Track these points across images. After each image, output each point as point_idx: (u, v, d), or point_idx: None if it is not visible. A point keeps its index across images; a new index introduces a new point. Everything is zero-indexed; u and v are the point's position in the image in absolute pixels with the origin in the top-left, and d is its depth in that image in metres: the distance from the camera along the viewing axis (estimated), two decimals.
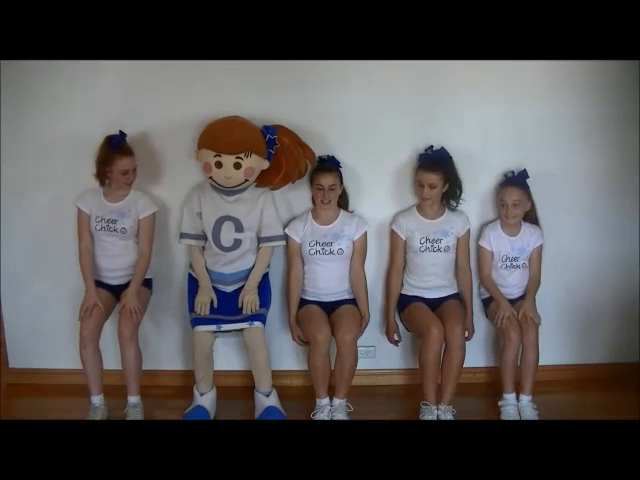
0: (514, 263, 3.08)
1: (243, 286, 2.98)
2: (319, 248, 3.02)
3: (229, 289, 2.99)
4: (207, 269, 3.00)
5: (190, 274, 3.07)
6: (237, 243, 2.95)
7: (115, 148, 2.88)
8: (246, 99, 3.03)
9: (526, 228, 3.09)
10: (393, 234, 3.12)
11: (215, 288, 2.99)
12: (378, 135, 3.12)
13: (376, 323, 3.26)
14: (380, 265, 3.24)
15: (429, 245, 3.03)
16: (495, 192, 3.14)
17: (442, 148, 3.03)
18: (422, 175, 2.99)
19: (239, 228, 2.94)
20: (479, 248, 3.14)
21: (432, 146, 3.03)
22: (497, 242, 3.09)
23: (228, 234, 2.94)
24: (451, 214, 3.08)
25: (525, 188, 3.04)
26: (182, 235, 3.02)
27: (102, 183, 2.97)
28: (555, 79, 3.10)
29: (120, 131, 2.92)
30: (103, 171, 2.92)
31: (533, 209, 3.09)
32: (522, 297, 3.10)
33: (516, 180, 3.05)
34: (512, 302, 3.08)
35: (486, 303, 3.18)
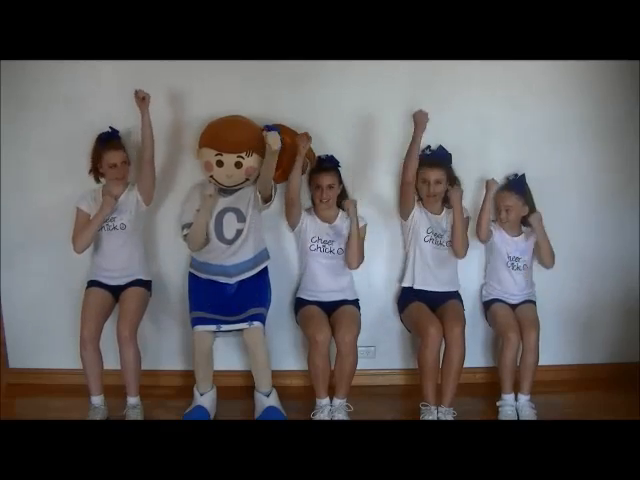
0: (516, 264, 3.10)
1: (245, 279, 2.98)
2: (320, 245, 3.03)
3: (232, 281, 2.98)
4: (207, 263, 2.99)
5: (190, 273, 3.06)
6: (238, 233, 2.94)
7: (104, 143, 2.92)
8: (246, 99, 3.03)
9: (526, 231, 3.11)
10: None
11: (217, 282, 2.98)
12: (378, 135, 3.13)
13: (376, 323, 3.26)
14: (378, 264, 3.24)
15: (433, 237, 3.05)
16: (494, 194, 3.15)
17: (441, 146, 3.04)
18: (426, 172, 2.99)
19: (241, 218, 2.94)
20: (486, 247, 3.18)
21: (429, 146, 3.04)
22: (500, 240, 3.10)
23: (230, 226, 2.94)
24: (450, 212, 3.08)
25: (521, 193, 3.04)
26: (184, 226, 2.98)
27: (97, 180, 3.00)
28: (555, 79, 3.11)
29: (110, 127, 2.95)
30: (95, 167, 2.96)
31: (531, 212, 3.07)
32: (523, 302, 3.12)
33: (512, 185, 3.06)
34: (512, 307, 3.11)
35: (486, 306, 3.19)
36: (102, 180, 3.02)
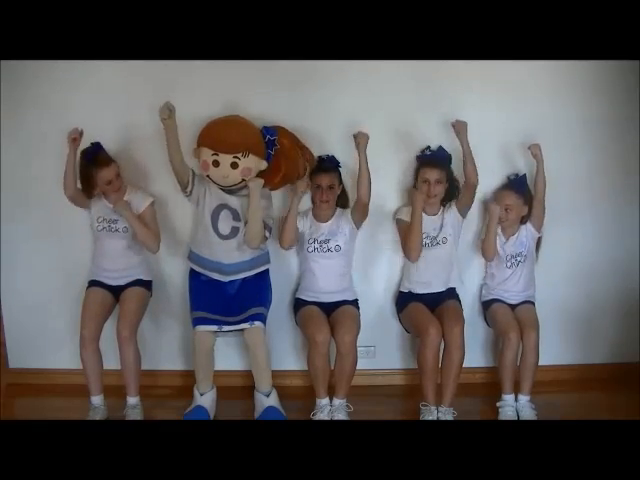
0: (517, 259, 3.09)
1: (242, 280, 2.98)
2: (317, 246, 3.03)
3: (226, 279, 2.98)
4: (204, 258, 2.99)
5: (191, 271, 3.06)
6: (235, 231, 2.94)
7: (91, 161, 2.86)
8: (246, 99, 3.03)
9: (523, 228, 3.10)
10: (400, 223, 3.10)
11: (217, 282, 2.98)
12: (378, 135, 3.11)
13: (376, 323, 3.26)
14: (378, 264, 3.25)
15: (429, 241, 3.04)
16: (493, 193, 3.15)
17: (440, 147, 3.04)
18: (427, 172, 2.99)
19: (236, 217, 2.94)
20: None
21: (429, 146, 3.05)
22: (499, 243, 3.10)
23: (226, 222, 2.94)
24: (445, 209, 3.08)
25: (522, 193, 3.05)
26: None
27: (89, 196, 2.95)
28: (555, 79, 3.11)
29: (92, 143, 2.89)
30: (88, 186, 2.91)
31: (531, 212, 3.08)
32: (522, 303, 3.12)
33: (512, 184, 3.06)
34: (511, 307, 3.11)
35: (485, 306, 3.19)
36: (95, 195, 2.96)
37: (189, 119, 3.02)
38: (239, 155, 2.84)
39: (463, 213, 3.06)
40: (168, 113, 2.71)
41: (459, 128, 2.90)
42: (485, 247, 3.08)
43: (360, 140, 2.90)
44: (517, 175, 3.09)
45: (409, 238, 3.00)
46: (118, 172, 2.93)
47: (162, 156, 3.08)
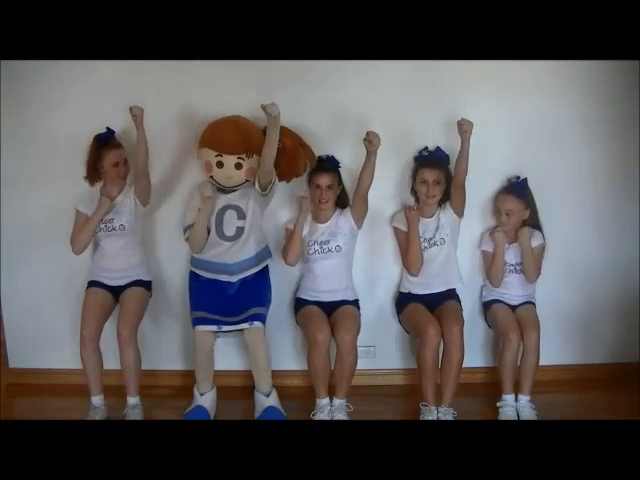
0: (518, 267, 3.08)
1: (246, 278, 2.98)
2: (317, 247, 3.03)
3: (234, 279, 2.97)
4: (209, 261, 2.98)
5: (191, 272, 3.05)
6: (239, 231, 2.93)
7: (103, 144, 2.91)
8: (246, 99, 3.02)
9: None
10: (397, 231, 3.11)
11: (217, 282, 2.98)
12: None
13: (376, 323, 3.25)
14: (378, 264, 3.25)
15: (426, 243, 3.04)
16: (494, 197, 3.15)
17: (438, 148, 3.04)
18: (425, 172, 2.99)
19: (241, 215, 2.93)
20: (482, 253, 3.16)
21: (427, 147, 3.05)
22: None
23: (231, 223, 2.93)
24: (441, 210, 3.07)
25: (522, 197, 3.03)
26: (185, 229, 2.98)
27: (92, 183, 2.98)
28: (556, 79, 3.11)
29: (107, 128, 2.95)
30: (94, 170, 2.94)
31: (532, 216, 3.07)
32: (523, 304, 3.11)
33: (513, 188, 3.05)
34: (512, 308, 3.11)
35: (486, 306, 3.19)
36: (97, 184, 3.00)
37: (189, 119, 3.03)
38: (243, 156, 2.84)
39: (459, 213, 3.05)
40: (211, 193, 2.80)
41: (465, 128, 2.82)
42: (492, 276, 3.07)
43: (374, 143, 2.76)
44: (518, 178, 3.08)
45: (407, 256, 3.02)
46: (125, 158, 2.96)
47: (162, 157, 3.10)
